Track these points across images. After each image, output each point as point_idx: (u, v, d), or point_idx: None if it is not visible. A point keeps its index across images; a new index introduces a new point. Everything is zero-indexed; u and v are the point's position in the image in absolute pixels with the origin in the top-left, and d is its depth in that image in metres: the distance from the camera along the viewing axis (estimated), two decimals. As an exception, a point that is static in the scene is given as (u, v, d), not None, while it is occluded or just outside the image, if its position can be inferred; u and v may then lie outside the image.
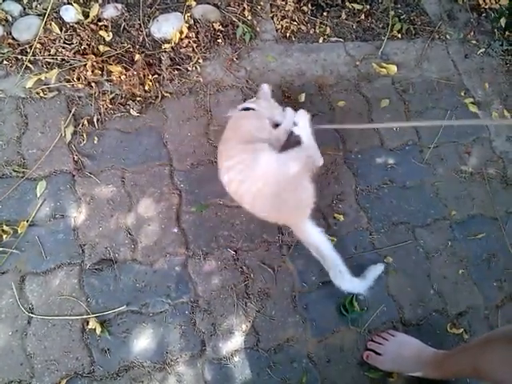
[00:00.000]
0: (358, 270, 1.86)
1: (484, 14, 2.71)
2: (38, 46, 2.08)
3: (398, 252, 1.98)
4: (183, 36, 2.24)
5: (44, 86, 2.02)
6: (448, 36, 2.61)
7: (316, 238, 1.81)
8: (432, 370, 1.67)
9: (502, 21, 2.63)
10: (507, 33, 2.64)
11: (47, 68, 2.07)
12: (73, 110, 2.01)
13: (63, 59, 2.08)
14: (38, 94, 2.01)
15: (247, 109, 1.88)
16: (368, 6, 2.60)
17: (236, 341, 1.74)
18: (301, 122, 1.85)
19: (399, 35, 2.54)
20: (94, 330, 1.67)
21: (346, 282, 1.73)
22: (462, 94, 2.41)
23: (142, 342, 1.70)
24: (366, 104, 2.29)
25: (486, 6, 2.73)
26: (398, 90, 2.36)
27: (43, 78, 2.04)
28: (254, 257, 1.88)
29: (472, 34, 2.63)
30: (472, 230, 2.09)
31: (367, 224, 2.02)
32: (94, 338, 1.68)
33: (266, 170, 1.69)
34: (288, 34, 2.41)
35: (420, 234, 2.04)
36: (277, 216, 1.81)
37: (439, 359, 1.66)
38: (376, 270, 1.86)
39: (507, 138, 2.34)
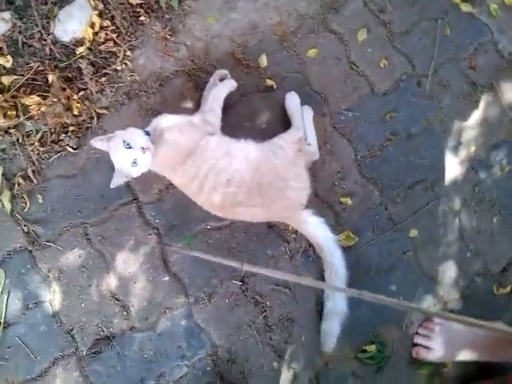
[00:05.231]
0: (381, 258, 1.64)
1: None
2: None
3: (421, 220, 1.72)
4: (97, 29, 1.76)
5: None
6: None
7: (315, 233, 1.63)
8: (490, 353, 1.51)
9: None
10: None
11: None
12: (0, 171, 1.64)
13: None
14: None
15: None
16: None
17: (272, 381, 1.56)
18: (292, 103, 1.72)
19: None
20: (116, 420, 1.50)
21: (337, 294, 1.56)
22: (450, -9, 1.95)
23: (172, 415, 1.53)
24: (341, 43, 1.85)
25: None
26: (373, 12, 1.90)
27: None
28: (265, 280, 1.63)
29: None
30: (497, 164, 1.79)
31: (380, 197, 1.73)
32: (120, 428, 1.51)
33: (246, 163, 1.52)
34: (223, -20, 1.91)
35: (440, 190, 1.76)
36: (269, 212, 1.58)
37: (494, 341, 1.49)
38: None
39: (514, 33, 1.94)
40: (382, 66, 1.84)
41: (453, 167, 1.78)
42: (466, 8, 1.93)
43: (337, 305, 1.55)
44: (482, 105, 1.85)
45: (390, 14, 1.90)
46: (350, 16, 1.88)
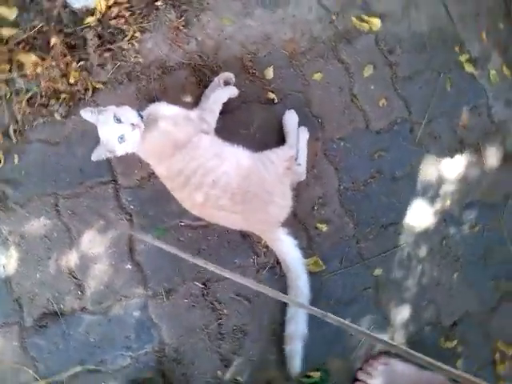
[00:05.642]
0: (343, 290, 1.66)
1: None
2: None
3: (388, 261, 1.77)
4: (111, 3, 1.73)
5: None
6: (439, -28, 2.14)
7: (286, 252, 1.62)
8: None
9: None
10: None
11: None
12: (-20, 123, 1.58)
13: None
14: None
15: None
16: None
17: (212, 390, 1.55)
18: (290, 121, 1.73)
19: (382, -26, 2.06)
20: (47, 399, 1.45)
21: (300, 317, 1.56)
22: (457, 49, 2.02)
23: (105, 405, 1.49)
24: (347, 74, 1.89)
25: None
26: (383, 51, 1.94)
27: None
28: (227, 288, 1.63)
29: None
30: (468, 222, 1.87)
31: (353, 230, 1.76)
32: (49, 408, 1.46)
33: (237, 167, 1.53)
34: (246, -16, 1.91)
35: (411, 236, 1.81)
36: (247, 222, 1.58)
37: None
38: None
39: (506, 102, 2.03)
40: (380, 105, 1.89)
41: (426, 216, 1.84)
42: (469, 68, 2.01)
43: (299, 327, 1.56)
44: (465, 163, 1.92)
45: (397, 56, 1.95)
46: (360, 50, 1.92)
